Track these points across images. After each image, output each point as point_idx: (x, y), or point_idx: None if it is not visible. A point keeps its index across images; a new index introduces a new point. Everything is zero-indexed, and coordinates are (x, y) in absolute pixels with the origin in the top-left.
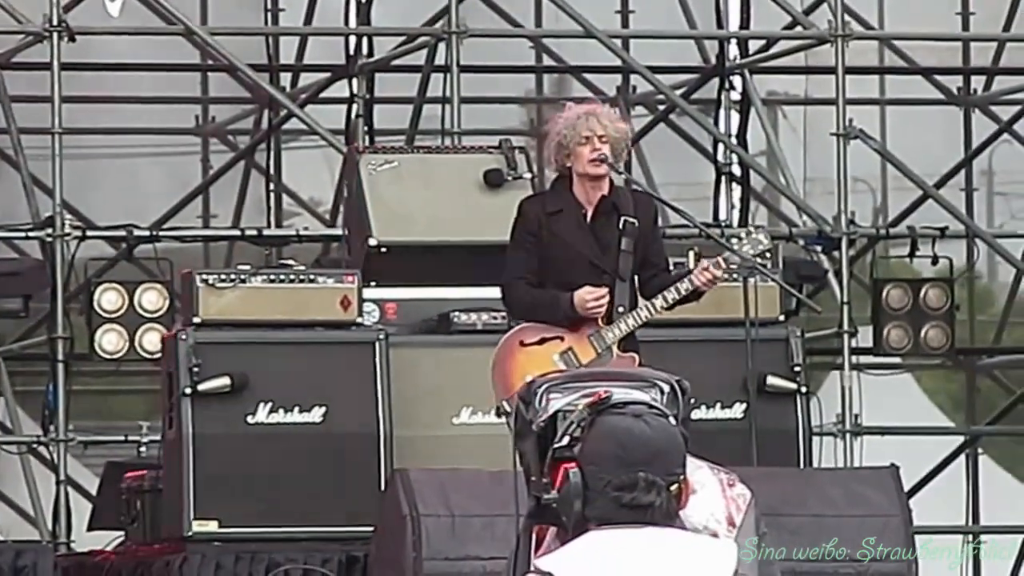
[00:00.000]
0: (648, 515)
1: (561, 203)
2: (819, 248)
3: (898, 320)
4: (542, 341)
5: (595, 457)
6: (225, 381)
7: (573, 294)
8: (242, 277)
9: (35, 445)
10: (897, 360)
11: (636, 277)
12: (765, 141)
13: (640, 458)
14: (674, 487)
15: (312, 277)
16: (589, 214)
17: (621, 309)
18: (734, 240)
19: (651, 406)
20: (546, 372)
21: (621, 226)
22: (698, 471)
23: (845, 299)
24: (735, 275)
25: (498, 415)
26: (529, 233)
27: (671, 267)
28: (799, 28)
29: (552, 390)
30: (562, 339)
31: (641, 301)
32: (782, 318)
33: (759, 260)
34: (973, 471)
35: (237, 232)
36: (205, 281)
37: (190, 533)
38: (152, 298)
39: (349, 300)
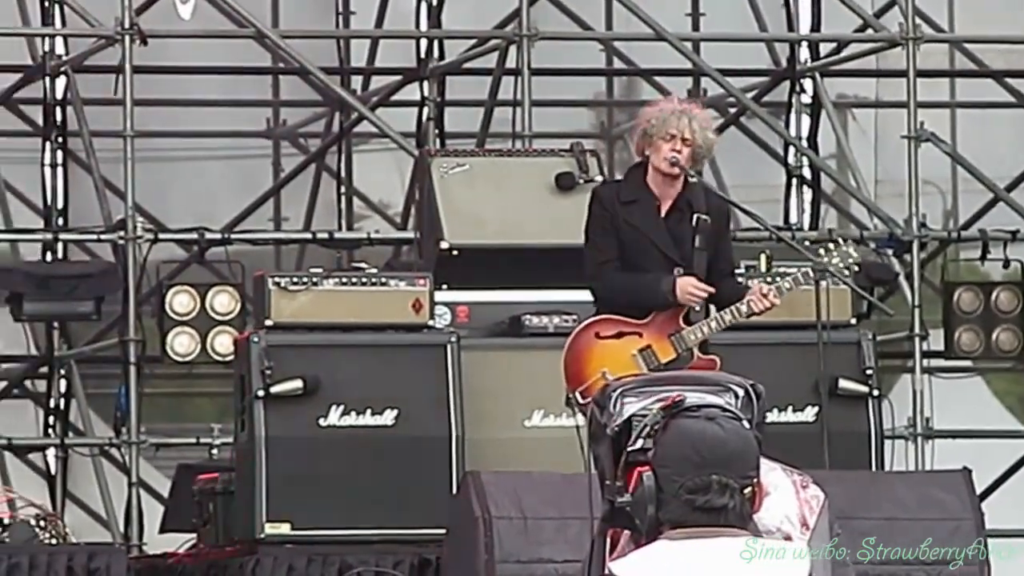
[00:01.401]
0: (722, 518)
1: (636, 193)
2: (890, 251)
3: (969, 323)
4: (619, 335)
5: (669, 460)
6: (297, 384)
7: (676, 278)
8: (314, 280)
9: (107, 447)
10: (968, 363)
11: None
12: (835, 144)
13: (714, 461)
14: (748, 490)
15: (384, 280)
16: (664, 207)
17: (699, 308)
18: (822, 250)
19: (725, 410)
20: (622, 373)
21: (695, 223)
22: (772, 473)
23: (916, 302)
24: (810, 283)
25: (567, 405)
26: (606, 219)
27: (736, 271)
28: (870, 31)
29: (627, 394)
30: (640, 335)
31: (714, 311)
32: (853, 321)
33: (846, 273)
34: None
35: (308, 235)
36: (277, 284)
37: (262, 535)
38: (224, 301)
39: (421, 303)
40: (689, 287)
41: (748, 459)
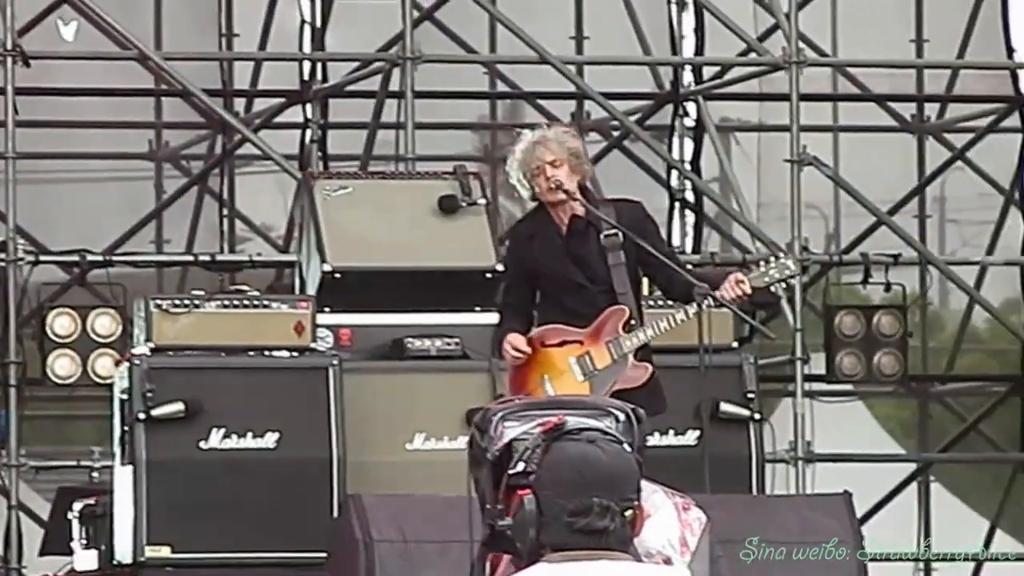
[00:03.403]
0: (603, 540)
1: (537, 227)
2: (771, 258)
3: (851, 347)
4: (562, 344)
5: (550, 482)
6: (179, 407)
7: (505, 335)
8: (196, 302)
9: None
10: (850, 387)
11: (652, 280)
12: (719, 167)
13: (595, 483)
14: (628, 512)
15: (266, 303)
16: (563, 233)
17: (633, 322)
18: (763, 263)
19: (606, 433)
20: (560, 380)
21: (601, 242)
22: (653, 495)
23: (798, 326)
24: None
25: None
26: (514, 258)
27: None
28: (753, 55)
29: (508, 418)
30: (581, 343)
31: (663, 312)
32: (735, 345)
33: (782, 286)
34: (925, 498)
35: (190, 257)
36: (159, 306)
37: (143, 559)
38: (105, 323)
39: (303, 325)
40: (507, 346)
41: (629, 482)
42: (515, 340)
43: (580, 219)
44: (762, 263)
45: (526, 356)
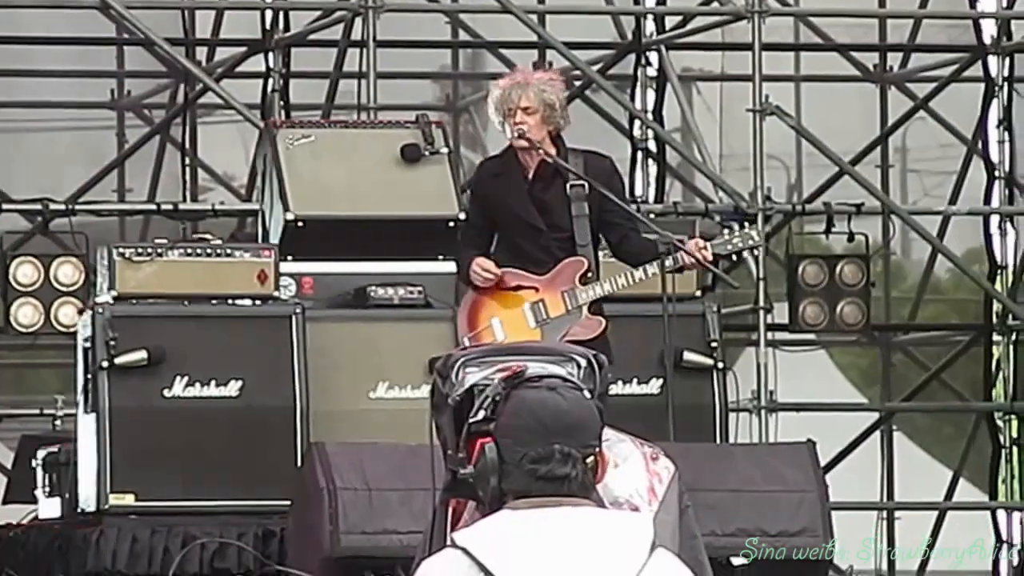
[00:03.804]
0: (564, 487)
1: (504, 167)
2: (735, 224)
3: (813, 296)
4: (517, 288)
5: (510, 430)
6: (142, 355)
7: (474, 258)
8: (159, 251)
9: None
10: (812, 336)
11: (605, 236)
12: (681, 117)
13: (555, 430)
14: (590, 460)
15: (229, 251)
16: (529, 177)
17: (591, 275)
18: (727, 231)
19: (566, 380)
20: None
21: (568, 191)
22: (621, 444)
23: (761, 275)
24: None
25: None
26: (476, 194)
27: (638, 224)
28: (715, 4)
29: (469, 364)
30: (537, 290)
31: (622, 268)
32: (699, 294)
33: (745, 253)
34: (888, 448)
35: (153, 206)
36: (122, 255)
37: (106, 506)
38: (68, 272)
39: (266, 274)
40: (475, 267)
41: (590, 429)
42: (484, 262)
43: (549, 165)
44: (726, 231)
45: (496, 278)
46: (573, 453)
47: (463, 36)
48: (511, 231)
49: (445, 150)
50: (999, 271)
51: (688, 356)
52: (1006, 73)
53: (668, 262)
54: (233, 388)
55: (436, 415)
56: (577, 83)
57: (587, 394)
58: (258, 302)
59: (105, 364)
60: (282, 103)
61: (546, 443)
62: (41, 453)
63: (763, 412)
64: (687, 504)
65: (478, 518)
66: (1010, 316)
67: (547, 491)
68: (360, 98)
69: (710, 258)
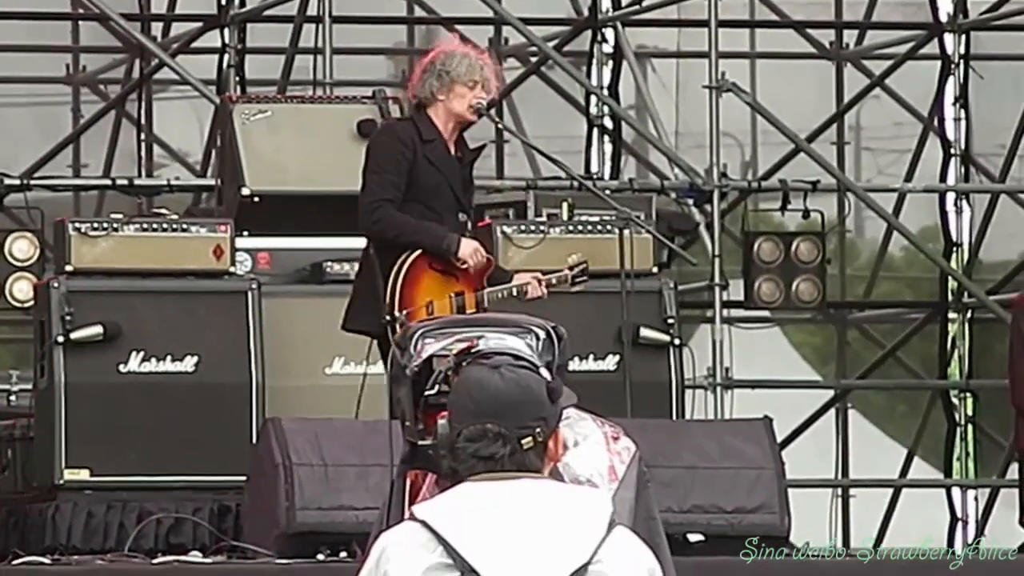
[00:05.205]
0: (496, 466)
1: (433, 133)
2: (691, 201)
3: (769, 273)
4: (445, 272)
5: (453, 407)
6: (98, 330)
7: (462, 238)
8: (115, 226)
9: None
10: (768, 313)
11: None
12: (636, 94)
13: (488, 410)
14: (526, 440)
15: (185, 226)
16: (451, 149)
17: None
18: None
19: (518, 356)
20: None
21: (471, 175)
22: (581, 423)
23: (716, 252)
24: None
25: (386, 322)
26: (403, 156)
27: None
28: None
29: (427, 335)
30: (458, 279)
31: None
32: (655, 270)
33: (577, 281)
34: (843, 425)
35: (108, 181)
36: (78, 229)
37: (61, 482)
38: (22, 247)
39: (222, 249)
40: (473, 249)
41: (527, 409)
42: (474, 244)
43: (463, 145)
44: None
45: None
46: (504, 433)
47: (418, 12)
48: (435, 202)
49: None
50: (955, 248)
51: (645, 332)
52: (962, 51)
53: (514, 291)
54: (189, 363)
55: (395, 386)
56: (533, 59)
57: (543, 369)
58: (214, 278)
59: (60, 339)
60: (238, 79)
61: (479, 422)
62: None
63: (719, 389)
64: (647, 481)
65: (437, 492)
66: (965, 294)
67: (481, 469)
68: (316, 74)
69: (546, 294)
